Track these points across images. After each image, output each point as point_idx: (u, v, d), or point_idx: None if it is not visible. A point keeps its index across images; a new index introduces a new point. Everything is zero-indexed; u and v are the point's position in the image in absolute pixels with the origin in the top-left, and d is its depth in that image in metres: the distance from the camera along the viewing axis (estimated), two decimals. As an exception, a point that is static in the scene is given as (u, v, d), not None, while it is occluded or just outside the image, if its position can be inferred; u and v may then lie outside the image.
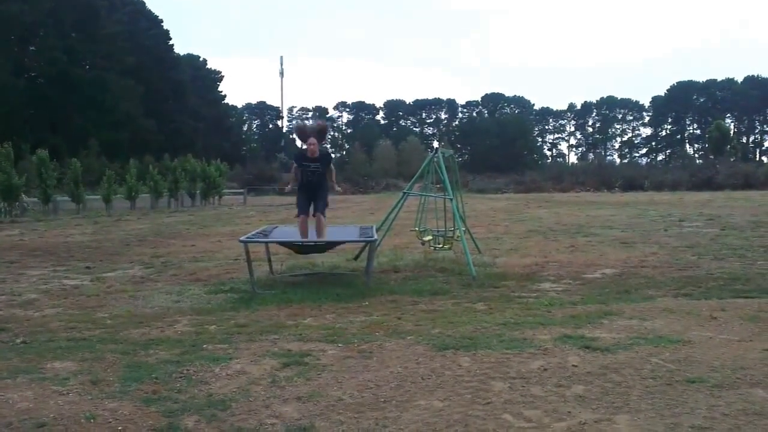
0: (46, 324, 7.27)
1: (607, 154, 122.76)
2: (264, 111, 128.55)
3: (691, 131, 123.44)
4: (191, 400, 4.57)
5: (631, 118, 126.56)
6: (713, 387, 4.62)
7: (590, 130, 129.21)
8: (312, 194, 10.19)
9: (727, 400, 4.37)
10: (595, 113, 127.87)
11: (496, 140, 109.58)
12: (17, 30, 63.51)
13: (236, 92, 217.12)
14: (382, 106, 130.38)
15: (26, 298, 9.01)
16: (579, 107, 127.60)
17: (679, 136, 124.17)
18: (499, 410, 4.28)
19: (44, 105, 63.40)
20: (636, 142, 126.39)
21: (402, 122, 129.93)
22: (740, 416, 4.11)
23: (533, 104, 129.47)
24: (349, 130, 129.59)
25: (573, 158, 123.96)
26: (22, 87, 62.49)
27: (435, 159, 11.96)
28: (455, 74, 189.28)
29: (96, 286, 9.99)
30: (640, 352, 5.52)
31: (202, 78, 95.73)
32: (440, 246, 12.00)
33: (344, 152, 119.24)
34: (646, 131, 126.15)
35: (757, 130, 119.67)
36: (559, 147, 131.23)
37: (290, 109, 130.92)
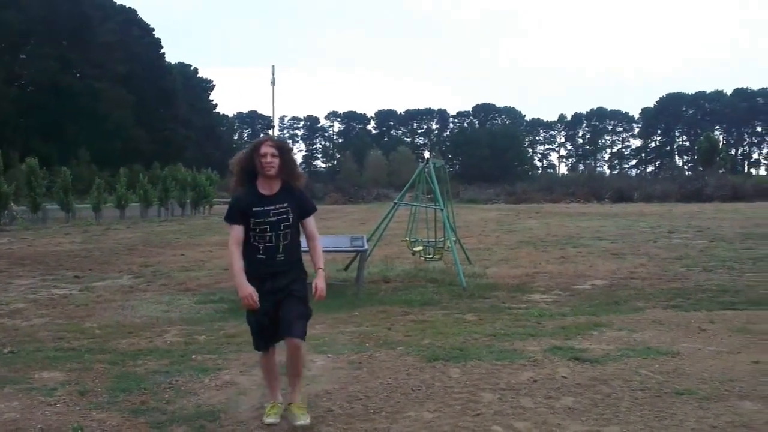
0: (34, 334, 7.23)
1: (597, 165, 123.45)
2: (255, 120, 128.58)
3: (681, 143, 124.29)
4: (180, 411, 4.55)
5: (620, 129, 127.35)
6: (702, 399, 4.63)
7: (580, 141, 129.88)
8: (274, 292, 4.28)
9: (715, 412, 4.38)
10: (585, 124, 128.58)
11: (487, 151, 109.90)
12: (9, 38, 63.38)
13: (227, 101, 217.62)
14: (373, 115, 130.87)
15: (14, 307, 8.95)
16: (569, 118, 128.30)
17: (668, 148, 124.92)
18: (488, 422, 4.28)
19: (35, 113, 63.20)
20: (626, 153, 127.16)
21: (393, 132, 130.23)
22: (729, 428, 4.12)
23: (524, 115, 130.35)
24: (340, 140, 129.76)
25: (563, 169, 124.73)
26: (13, 95, 62.33)
27: (426, 169, 11.98)
28: (446, 84, 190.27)
29: (85, 295, 9.94)
30: (630, 364, 5.53)
31: (193, 87, 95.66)
32: (431, 256, 12.01)
33: (335, 162, 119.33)
34: (636, 143, 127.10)
35: (745, 142, 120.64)
36: (550, 158, 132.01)
37: (281, 119, 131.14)
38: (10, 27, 60.71)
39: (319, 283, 4.32)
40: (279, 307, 4.26)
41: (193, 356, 6.06)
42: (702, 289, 9.62)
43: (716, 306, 8.31)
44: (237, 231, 4.24)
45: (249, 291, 4.14)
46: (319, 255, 4.42)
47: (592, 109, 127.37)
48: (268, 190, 4.29)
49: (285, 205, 4.26)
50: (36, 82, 67.75)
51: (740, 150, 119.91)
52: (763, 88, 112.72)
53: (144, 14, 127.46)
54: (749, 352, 5.90)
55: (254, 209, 4.20)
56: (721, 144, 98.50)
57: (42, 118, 63.43)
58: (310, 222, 4.44)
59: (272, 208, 4.23)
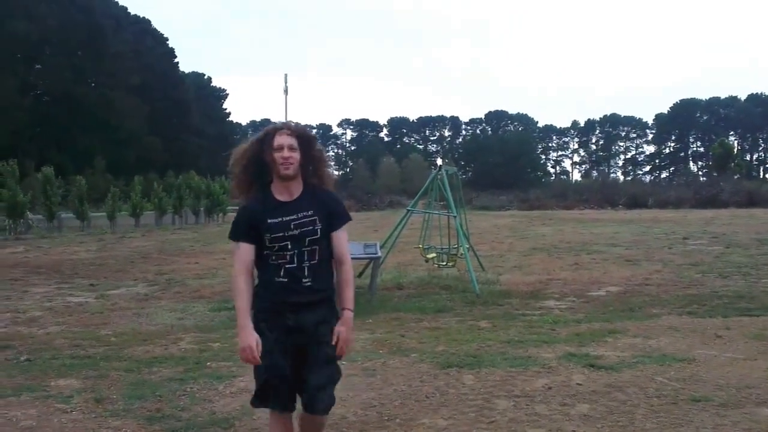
0: (50, 341, 7.28)
1: (611, 171, 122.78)
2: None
3: (695, 149, 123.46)
4: (194, 418, 4.56)
5: (634, 135, 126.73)
6: (719, 406, 4.60)
7: (594, 147, 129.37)
8: (298, 330, 3.26)
9: (732, 419, 4.35)
10: (598, 131, 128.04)
11: (500, 157, 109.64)
12: (23, 49, 63.91)
13: (240, 110, 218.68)
14: (385, 123, 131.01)
15: (30, 315, 9.02)
16: (582, 125, 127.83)
17: (682, 154, 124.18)
18: (503, 429, 4.27)
19: (50, 123, 63.71)
20: (639, 159, 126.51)
21: (405, 139, 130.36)
22: (746, 435, 4.09)
23: (537, 122, 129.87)
24: (352, 147, 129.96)
25: (576, 176, 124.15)
26: (27, 105, 62.82)
27: (438, 176, 11.99)
28: (458, 92, 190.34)
29: (100, 303, 10.00)
30: (645, 371, 5.50)
31: (206, 96, 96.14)
32: (444, 263, 12.00)
33: (348, 169, 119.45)
34: (650, 149, 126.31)
35: (760, 148, 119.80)
36: (563, 164, 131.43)
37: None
38: (24, 38, 61.23)
39: (345, 330, 3.25)
40: (301, 355, 3.26)
41: (208, 363, 6.08)
42: (718, 296, 9.55)
43: (732, 312, 8.25)
44: (244, 252, 3.23)
45: (251, 342, 3.14)
46: (350, 289, 3.31)
47: (605, 115, 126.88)
48: (286, 195, 3.26)
49: (310, 212, 3.24)
50: (50, 92, 68.30)
51: (755, 155, 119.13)
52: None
53: (158, 24, 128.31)
54: (766, 359, 5.85)
55: (270, 221, 3.18)
56: (735, 150, 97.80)
57: (56, 128, 63.94)
58: (341, 238, 3.33)
59: (293, 217, 3.20)
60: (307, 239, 3.21)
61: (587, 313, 8.53)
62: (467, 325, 7.83)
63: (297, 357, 3.25)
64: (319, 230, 3.24)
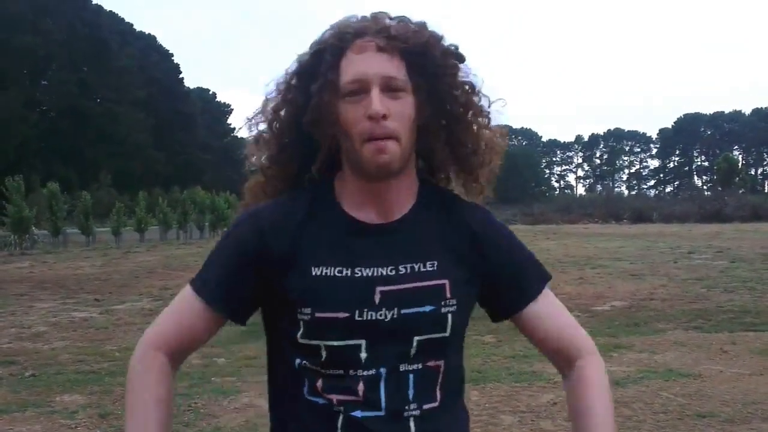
0: (55, 357, 7.28)
1: (615, 185, 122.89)
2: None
3: (699, 163, 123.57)
4: (199, 434, 4.56)
5: (638, 150, 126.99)
6: (724, 421, 4.58)
7: (598, 161, 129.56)
8: None
9: (738, 435, 4.33)
10: (602, 145, 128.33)
11: (503, 172, 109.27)
12: (30, 64, 64.45)
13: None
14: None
15: (35, 330, 9.02)
16: (586, 139, 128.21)
17: (686, 168, 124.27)
18: (508, 445, 4.25)
19: (55, 137, 64.15)
20: (644, 174, 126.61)
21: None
22: (752, 451, 4.07)
23: (540, 136, 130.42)
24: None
25: (581, 190, 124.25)
26: (34, 120, 63.28)
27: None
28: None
29: (105, 318, 10.01)
30: (651, 386, 5.48)
31: (211, 111, 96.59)
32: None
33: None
34: (654, 163, 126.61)
35: (765, 162, 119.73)
36: (567, 179, 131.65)
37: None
38: (30, 53, 61.77)
39: None
40: None
41: (212, 379, 6.08)
42: (723, 310, 9.52)
43: (738, 327, 8.21)
44: (183, 319, 1.34)
45: None
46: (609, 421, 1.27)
47: (609, 130, 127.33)
48: (371, 211, 1.19)
49: (432, 265, 1.17)
50: (56, 106, 68.84)
51: (760, 170, 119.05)
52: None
53: (163, 40, 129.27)
54: (772, 374, 5.82)
55: (316, 272, 1.16)
56: (740, 164, 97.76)
57: (62, 142, 64.35)
58: (554, 310, 1.33)
59: (386, 273, 1.14)
60: (416, 339, 1.16)
61: (592, 327, 8.50)
62: (472, 339, 7.81)
63: None
64: (449, 316, 1.18)
